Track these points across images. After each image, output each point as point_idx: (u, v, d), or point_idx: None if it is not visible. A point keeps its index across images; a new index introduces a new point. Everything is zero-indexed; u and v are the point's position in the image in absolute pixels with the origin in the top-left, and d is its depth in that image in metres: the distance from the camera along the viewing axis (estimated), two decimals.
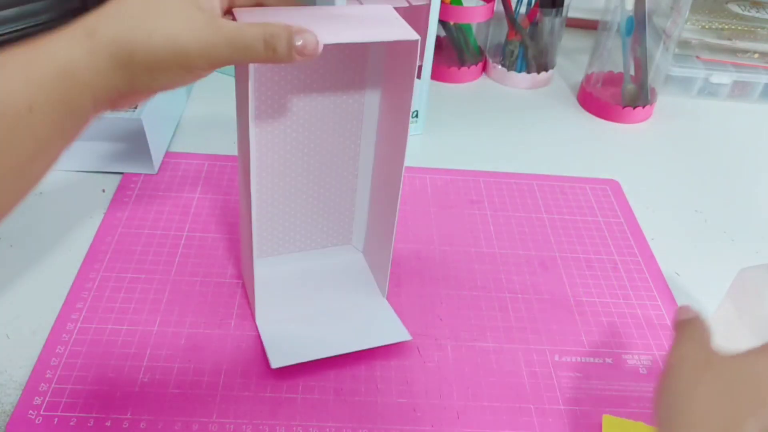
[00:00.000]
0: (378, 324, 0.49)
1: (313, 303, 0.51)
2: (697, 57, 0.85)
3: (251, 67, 0.37)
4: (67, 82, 0.32)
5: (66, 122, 0.33)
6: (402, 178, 0.46)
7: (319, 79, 0.46)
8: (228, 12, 0.39)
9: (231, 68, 0.77)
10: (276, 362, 0.45)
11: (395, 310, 0.50)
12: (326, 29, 0.38)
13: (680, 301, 0.56)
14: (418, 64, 0.41)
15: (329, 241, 0.55)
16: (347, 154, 0.50)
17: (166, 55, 0.33)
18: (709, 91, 0.86)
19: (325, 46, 0.35)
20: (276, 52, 0.34)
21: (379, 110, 0.48)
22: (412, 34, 0.39)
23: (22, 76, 0.31)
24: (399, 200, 0.47)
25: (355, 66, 0.46)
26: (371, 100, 0.48)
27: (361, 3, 0.59)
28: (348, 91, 0.47)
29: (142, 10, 0.33)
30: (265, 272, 0.52)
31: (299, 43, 0.34)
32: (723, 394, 0.33)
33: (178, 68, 0.34)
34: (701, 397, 0.33)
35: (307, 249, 0.54)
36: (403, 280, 0.55)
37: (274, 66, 0.44)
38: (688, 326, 0.38)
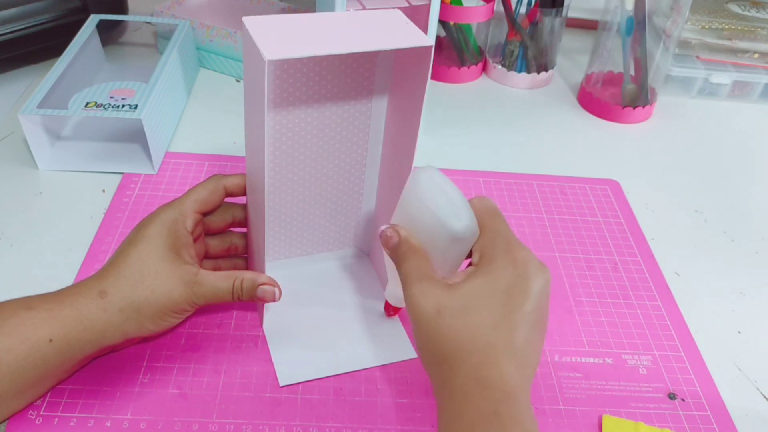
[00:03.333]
0: (385, 339, 0.49)
1: (320, 309, 0.51)
2: (697, 57, 0.85)
3: (265, 79, 0.36)
4: (81, 326, 0.40)
5: (74, 354, 0.41)
6: None
7: (328, 85, 0.45)
8: (206, 257, 0.49)
9: (230, 67, 0.78)
10: (284, 380, 0.46)
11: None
12: (336, 36, 0.38)
13: (680, 301, 0.56)
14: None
15: (336, 245, 0.55)
16: (355, 158, 0.50)
17: (164, 306, 0.42)
18: (709, 91, 0.86)
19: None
20: (241, 299, 0.45)
21: (387, 114, 0.48)
22: (424, 40, 0.39)
23: (48, 316, 0.39)
24: None
25: (364, 71, 0.46)
26: (379, 105, 0.48)
27: (362, 5, 0.59)
28: (356, 95, 0.47)
29: (141, 273, 0.42)
30: (273, 276, 0.52)
31: (259, 294, 0.44)
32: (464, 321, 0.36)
33: (172, 314, 0.43)
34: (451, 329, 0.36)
35: (315, 252, 0.54)
36: None
37: (282, 73, 0.43)
38: (407, 261, 0.39)
